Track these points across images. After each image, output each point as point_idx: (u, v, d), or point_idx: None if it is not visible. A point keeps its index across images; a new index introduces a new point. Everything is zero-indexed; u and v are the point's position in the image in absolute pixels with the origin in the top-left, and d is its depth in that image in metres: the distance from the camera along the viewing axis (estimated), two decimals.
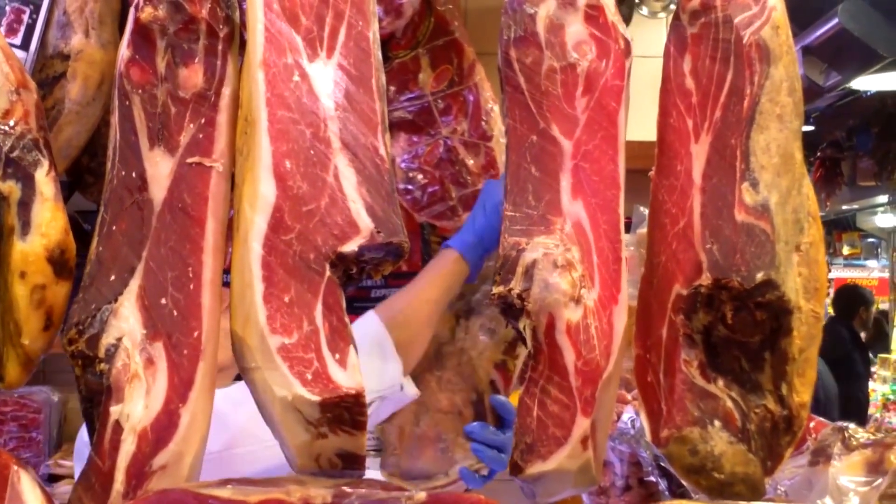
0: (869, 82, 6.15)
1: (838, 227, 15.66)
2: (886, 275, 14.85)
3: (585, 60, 1.66)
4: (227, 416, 2.13)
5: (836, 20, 4.46)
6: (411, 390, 2.31)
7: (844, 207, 12.72)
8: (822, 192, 10.11)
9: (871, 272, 15.56)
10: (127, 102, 1.62)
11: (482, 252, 2.33)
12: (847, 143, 9.81)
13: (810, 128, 9.00)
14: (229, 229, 1.61)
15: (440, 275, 2.32)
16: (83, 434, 2.49)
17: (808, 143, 9.48)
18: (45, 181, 1.59)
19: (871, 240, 15.96)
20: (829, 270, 14.43)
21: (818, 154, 9.99)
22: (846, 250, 15.87)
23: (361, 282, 1.63)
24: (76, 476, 2.63)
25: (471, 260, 2.31)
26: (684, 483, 1.63)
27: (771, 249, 1.56)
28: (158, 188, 1.59)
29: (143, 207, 1.59)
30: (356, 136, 1.57)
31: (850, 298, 9.63)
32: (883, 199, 11.58)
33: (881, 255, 16.01)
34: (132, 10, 1.64)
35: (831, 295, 12.10)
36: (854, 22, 4.41)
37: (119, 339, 1.52)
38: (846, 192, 10.39)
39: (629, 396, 3.07)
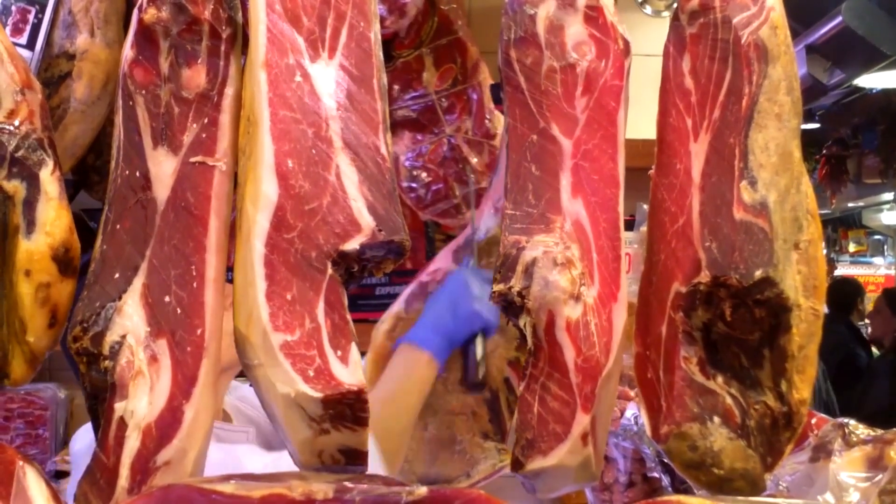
0: (874, 80, 6.14)
1: (844, 225, 15.64)
2: (893, 272, 14.81)
3: (585, 60, 1.67)
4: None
5: (839, 18, 4.45)
6: None
7: (850, 205, 12.71)
8: (827, 189, 10.10)
9: (877, 269, 15.53)
10: (130, 102, 1.64)
11: (449, 352, 2.33)
12: (853, 141, 9.80)
13: (815, 125, 8.98)
14: (232, 228, 1.62)
15: (414, 381, 2.30)
16: (76, 440, 2.50)
17: (814, 140, 9.49)
18: (49, 180, 1.61)
19: (877, 237, 15.93)
20: (836, 268, 14.43)
21: (824, 151, 9.98)
22: (852, 247, 15.83)
23: (363, 279, 1.64)
24: (71, 483, 2.63)
25: (440, 361, 2.31)
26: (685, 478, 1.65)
27: (769, 247, 1.57)
28: (162, 187, 1.61)
29: (147, 206, 1.60)
30: (358, 136, 1.59)
31: (845, 292, 9.51)
32: (889, 196, 11.56)
33: (887, 253, 15.98)
34: (135, 11, 1.65)
35: None
36: (858, 20, 4.40)
37: (123, 337, 1.53)
38: (852, 189, 10.38)
39: (632, 393, 3.08)
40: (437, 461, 2.38)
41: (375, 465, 2.20)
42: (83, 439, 2.52)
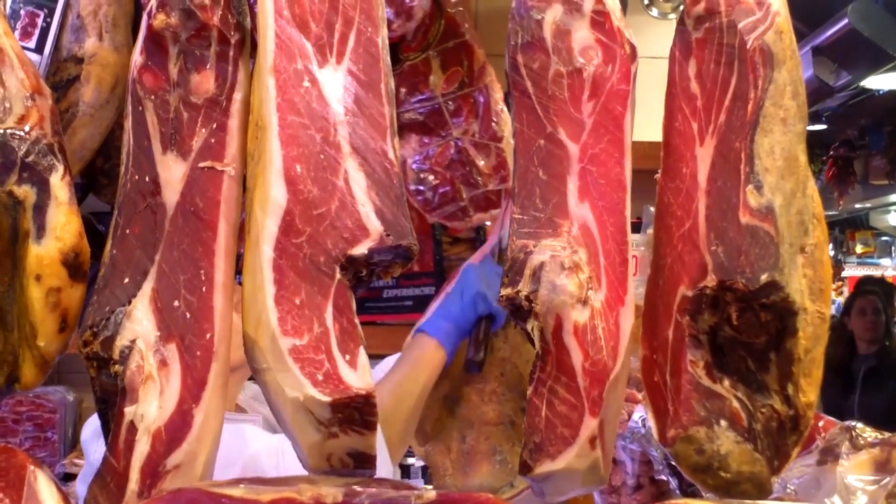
0: (881, 81, 6.14)
1: (851, 226, 15.60)
2: None
3: (592, 65, 1.68)
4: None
5: (845, 20, 4.46)
6: None
7: (857, 206, 12.68)
8: (834, 190, 10.08)
9: (884, 270, 15.49)
10: (140, 108, 1.65)
11: (458, 339, 2.34)
12: (860, 142, 9.79)
13: (822, 127, 8.97)
14: (241, 232, 1.63)
15: (421, 367, 2.32)
16: (85, 428, 2.54)
17: (821, 141, 9.47)
18: (59, 185, 1.61)
19: (884, 238, 15.89)
20: (843, 269, 14.40)
21: (830, 153, 9.96)
22: (859, 249, 15.79)
23: (371, 283, 1.65)
24: (82, 472, 2.67)
25: (448, 347, 2.33)
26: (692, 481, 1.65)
27: (775, 251, 1.57)
28: (171, 192, 1.62)
29: (156, 211, 1.61)
30: (365, 141, 1.59)
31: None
32: None
33: (894, 254, 15.94)
34: (145, 16, 1.66)
35: (845, 294, 11.99)
36: (864, 22, 4.41)
37: (133, 341, 1.54)
38: (859, 190, 10.36)
39: (640, 396, 3.07)
40: (479, 473, 2.38)
41: (381, 459, 2.22)
42: (91, 426, 2.56)
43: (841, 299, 12.90)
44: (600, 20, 1.69)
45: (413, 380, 2.32)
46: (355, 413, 1.48)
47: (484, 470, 2.37)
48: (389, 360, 2.49)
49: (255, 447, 2.35)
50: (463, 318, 2.33)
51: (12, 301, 1.60)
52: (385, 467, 2.23)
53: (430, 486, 2.47)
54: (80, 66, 2.02)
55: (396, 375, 2.34)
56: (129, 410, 1.51)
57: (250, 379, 2.54)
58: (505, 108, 3.08)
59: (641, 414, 2.81)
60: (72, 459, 4.14)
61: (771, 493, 1.60)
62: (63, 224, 1.60)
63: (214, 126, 1.64)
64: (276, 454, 2.32)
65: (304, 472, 1.54)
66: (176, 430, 1.53)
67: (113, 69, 2.04)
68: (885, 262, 15.95)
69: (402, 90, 3.15)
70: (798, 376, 1.60)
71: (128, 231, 1.61)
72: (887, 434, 2.06)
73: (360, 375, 1.50)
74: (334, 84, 1.62)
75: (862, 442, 2.03)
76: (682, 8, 1.77)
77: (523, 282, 1.58)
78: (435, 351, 2.33)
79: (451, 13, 3.17)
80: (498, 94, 3.12)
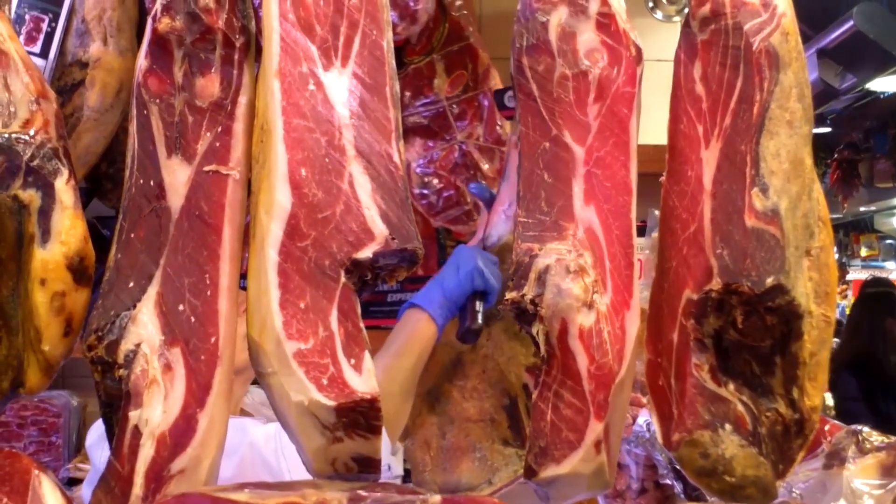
0: (886, 83, 6.13)
1: (856, 229, 15.58)
2: None
3: (597, 68, 1.67)
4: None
5: (851, 22, 4.46)
6: (397, 470, 2.31)
7: (862, 209, 12.67)
8: (839, 193, 10.06)
9: (889, 274, 15.45)
10: (145, 112, 1.64)
11: (450, 314, 2.32)
12: (864, 145, 9.77)
13: (827, 129, 8.96)
14: (246, 236, 1.63)
15: (414, 341, 2.30)
16: (91, 433, 2.54)
17: (825, 144, 9.46)
18: (64, 189, 1.61)
19: (889, 241, 15.86)
20: (847, 272, 14.38)
21: (835, 156, 9.94)
22: (864, 252, 15.76)
23: (376, 287, 1.64)
24: (88, 477, 2.67)
25: (440, 321, 2.31)
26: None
27: (781, 254, 1.57)
28: (176, 196, 1.61)
29: (161, 215, 1.61)
30: (370, 144, 1.59)
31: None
32: None
33: None
34: (150, 20, 1.66)
35: (849, 297, 11.96)
36: (869, 24, 4.40)
37: (137, 345, 1.54)
38: (864, 193, 10.34)
39: (644, 400, 3.07)
40: (458, 469, 2.37)
41: None
42: (96, 431, 2.56)
43: (845, 302, 12.89)
44: (605, 22, 1.69)
45: (407, 354, 2.30)
46: (360, 417, 1.48)
47: (463, 467, 2.36)
48: None
49: (253, 434, 2.35)
50: (458, 291, 2.30)
51: (17, 305, 1.60)
52: (385, 447, 2.23)
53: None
54: (85, 71, 2.03)
55: (390, 351, 2.32)
56: (133, 415, 1.51)
57: (254, 383, 2.54)
58: None
59: (646, 418, 2.81)
60: (76, 464, 4.15)
61: (776, 498, 1.60)
62: (68, 228, 1.60)
63: (219, 130, 1.64)
64: (275, 439, 2.32)
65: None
66: (180, 434, 1.52)
67: (117, 73, 2.04)
68: (890, 265, 15.92)
69: (407, 94, 3.15)
70: (803, 380, 1.60)
71: (132, 235, 1.61)
72: (894, 438, 2.06)
73: (364, 380, 1.50)
74: (339, 87, 1.61)
75: (868, 446, 2.03)
76: (686, 11, 1.77)
77: (528, 285, 1.58)
78: (427, 324, 2.31)
79: (455, 17, 3.17)
80: None
